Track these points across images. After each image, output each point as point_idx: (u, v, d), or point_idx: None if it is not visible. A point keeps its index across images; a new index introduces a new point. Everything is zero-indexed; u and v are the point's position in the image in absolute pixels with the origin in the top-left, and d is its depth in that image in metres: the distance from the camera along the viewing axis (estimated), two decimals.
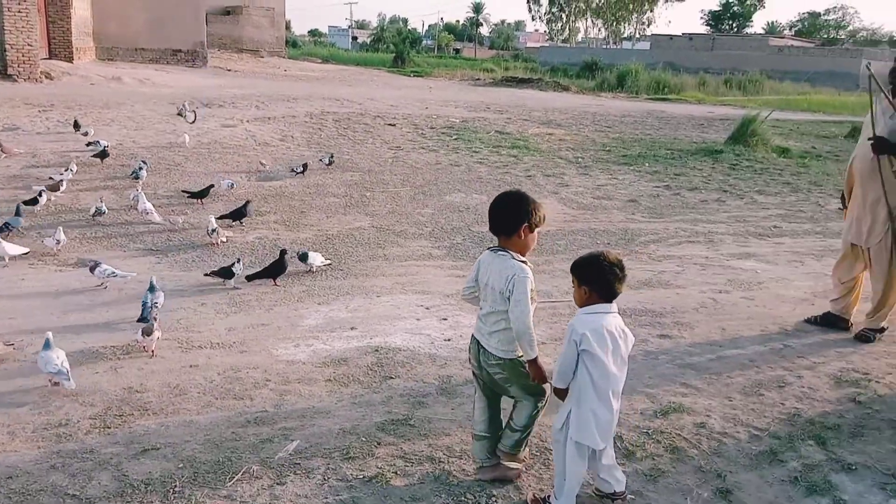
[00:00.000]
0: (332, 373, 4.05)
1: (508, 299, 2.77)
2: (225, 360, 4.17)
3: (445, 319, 4.95)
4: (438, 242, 6.92)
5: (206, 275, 5.55)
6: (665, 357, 4.49)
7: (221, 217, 6.95)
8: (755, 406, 3.84)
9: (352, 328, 4.73)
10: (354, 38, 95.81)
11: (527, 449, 3.15)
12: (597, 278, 2.72)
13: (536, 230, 2.89)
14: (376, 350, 4.38)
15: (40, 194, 7.09)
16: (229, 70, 25.45)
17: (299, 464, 3.10)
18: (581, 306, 2.77)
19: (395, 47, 56.19)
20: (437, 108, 18.06)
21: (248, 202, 7.19)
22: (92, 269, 5.23)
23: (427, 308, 5.16)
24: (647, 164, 11.69)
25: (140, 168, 8.42)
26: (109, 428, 3.38)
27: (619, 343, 2.71)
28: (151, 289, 4.65)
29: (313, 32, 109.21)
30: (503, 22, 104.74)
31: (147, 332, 4.13)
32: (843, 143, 16.01)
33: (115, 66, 21.59)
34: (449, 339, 4.59)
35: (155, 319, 4.42)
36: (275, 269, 5.54)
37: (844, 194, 5.30)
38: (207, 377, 3.94)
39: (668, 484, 3.08)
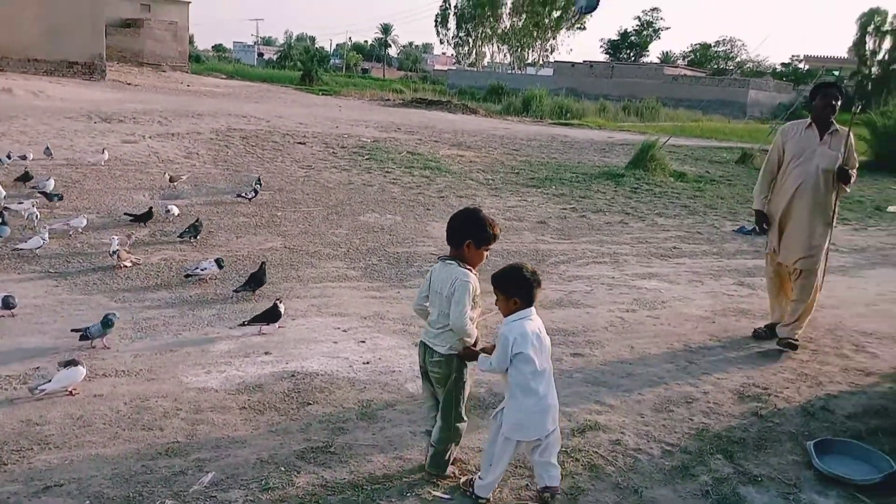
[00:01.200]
0: (246, 400, 3.91)
1: (451, 301, 2.98)
2: (132, 389, 3.96)
3: (363, 342, 4.90)
4: (354, 263, 6.85)
5: (244, 324, 4.97)
6: (579, 375, 4.60)
7: (181, 235, 7.06)
8: (666, 422, 3.99)
9: (266, 353, 4.60)
10: (260, 55, 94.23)
11: (454, 467, 3.24)
12: (520, 287, 2.98)
13: (484, 248, 3.10)
14: (292, 375, 4.27)
15: None
16: (129, 84, 24.48)
17: (215, 496, 2.97)
18: (507, 315, 3.01)
19: (303, 65, 55.63)
20: (348, 127, 17.98)
21: (198, 219, 7.30)
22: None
23: (344, 331, 5.09)
24: (554, 187, 12.02)
25: (43, 187, 8.07)
26: (6, 465, 3.13)
27: (544, 341, 2.99)
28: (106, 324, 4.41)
29: (218, 48, 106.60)
30: (411, 44, 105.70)
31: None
32: (735, 168, 17.05)
33: (4, 76, 20.33)
34: (367, 363, 4.54)
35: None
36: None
37: (766, 219, 5.51)
38: (113, 407, 3.73)
39: (589, 502, 3.15)
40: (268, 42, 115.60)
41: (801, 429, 3.99)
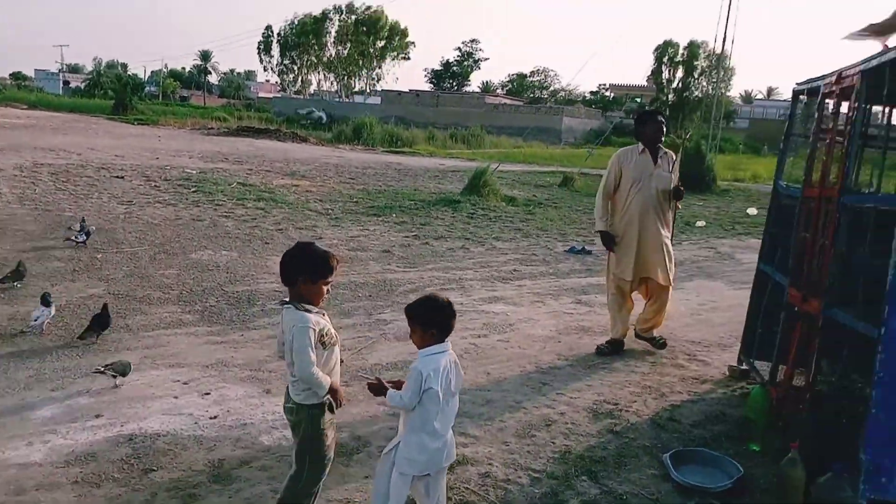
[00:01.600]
0: (78, 473, 3.43)
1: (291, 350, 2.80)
2: None
3: (208, 394, 4.50)
4: (189, 307, 6.36)
5: (99, 371, 4.47)
6: None
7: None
8: (530, 448, 4.01)
9: (97, 416, 4.08)
10: (66, 83, 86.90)
11: None
12: (437, 318, 2.89)
13: (322, 282, 2.91)
14: (130, 439, 3.82)
15: None
16: None
17: None
18: (421, 347, 2.88)
19: (116, 93, 52.06)
20: (170, 157, 16.98)
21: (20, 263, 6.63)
22: None
23: (185, 383, 4.66)
24: (394, 215, 12.03)
25: None
26: None
27: (452, 378, 2.89)
28: None
29: (17, 76, 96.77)
30: (233, 71, 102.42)
31: None
32: (559, 191, 18.02)
33: None
34: (215, 417, 4.17)
35: None
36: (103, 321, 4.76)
37: (612, 238, 5.85)
38: None
39: None
40: (75, 69, 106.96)
41: (655, 441, 4.17)
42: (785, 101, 68.90)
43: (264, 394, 4.52)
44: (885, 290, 3.13)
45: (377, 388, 2.93)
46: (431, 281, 7.90)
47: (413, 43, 75.04)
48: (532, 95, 76.74)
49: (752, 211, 15.96)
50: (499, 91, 79.69)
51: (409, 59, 75.97)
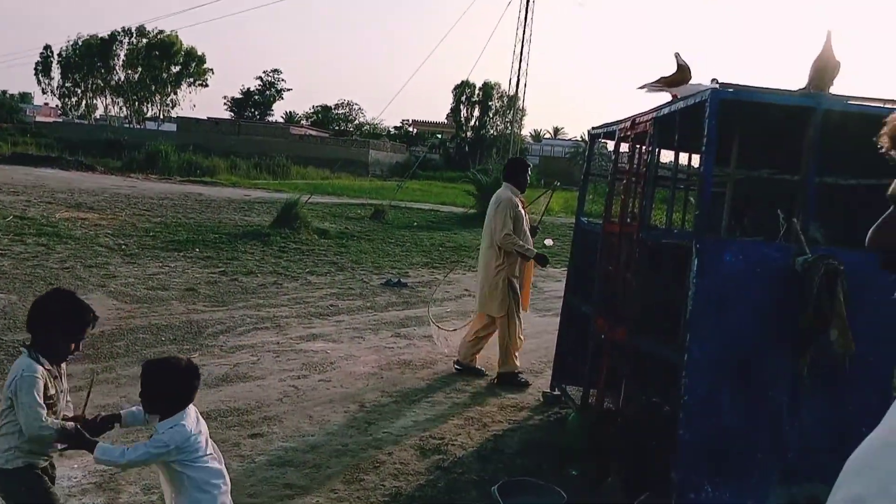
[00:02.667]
0: None
1: (13, 403, 2.53)
2: None
3: None
4: None
5: None
6: (262, 458, 4.26)
7: None
8: (360, 493, 3.89)
9: None
10: None
11: None
12: (179, 388, 2.61)
13: (72, 339, 2.66)
14: None
15: None
16: None
17: None
18: (164, 417, 2.59)
19: None
20: None
21: None
22: None
23: None
24: (198, 250, 11.33)
25: None
26: None
27: (203, 428, 2.65)
28: None
29: None
30: (5, 93, 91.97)
31: None
32: (370, 223, 18.08)
33: None
34: None
35: None
36: None
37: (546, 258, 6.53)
38: None
39: None
40: None
41: (482, 474, 4.23)
42: (570, 140, 75.32)
43: None
44: (685, 320, 3.44)
45: (76, 440, 2.58)
46: (243, 320, 7.50)
47: (211, 70, 72.24)
48: (337, 128, 76.85)
49: (549, 242, 16.97)
50: (304, 122, 78.89)
51: (206, 86, 72.94)
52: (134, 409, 2.82)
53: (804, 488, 3.43)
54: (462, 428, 4.99)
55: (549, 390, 5.76)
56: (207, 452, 2.62)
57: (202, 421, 2.70)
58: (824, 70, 3.57)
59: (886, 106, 3.46)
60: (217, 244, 12.09)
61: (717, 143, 3.51)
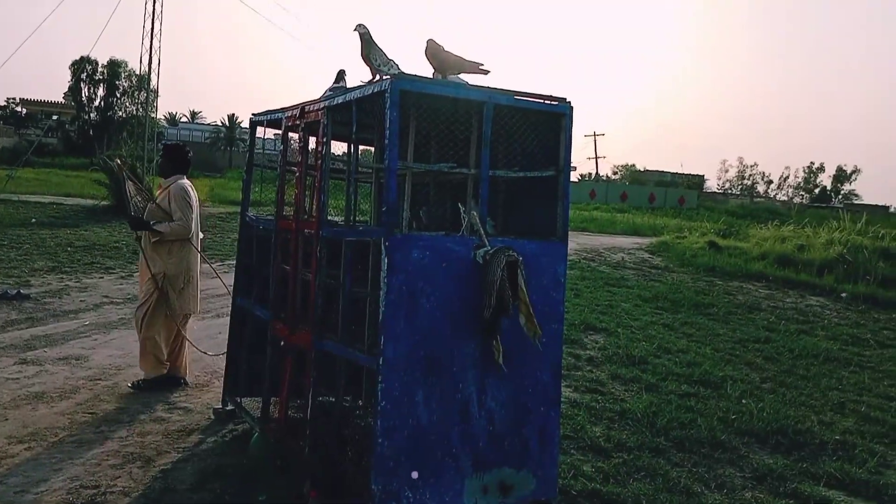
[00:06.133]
0: None
1: None
2: None
3: None
4: None
5: None
6: None
7: None
8: None
9: None
10: None
11: None
12: None
13: None
14: None
15: None
16: None
17: None
18: None
19: None
20: None
21: None
22: None
23: None
24: None
25: None
26: None
27: None
28: None
29: None
30: None
31: None
32: None
33: None
34: None
35: None
36: None
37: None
38: None
39: None
40: None
41: None
42: (209, 124, 72.09)
43: None
44: (378, 320, 3.26)
45: None
46: None
47: None
48: None
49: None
50: None
51: None
52: None
53: (494, 474, 3.52)
54: (121, 469, 4.19)
55: (220, 406, 5.19)
56: None
57: None
58: (443, 72, 3.75)
59: (546, 102, 3.68)
60: None
61: (400, 136, 3.38)
